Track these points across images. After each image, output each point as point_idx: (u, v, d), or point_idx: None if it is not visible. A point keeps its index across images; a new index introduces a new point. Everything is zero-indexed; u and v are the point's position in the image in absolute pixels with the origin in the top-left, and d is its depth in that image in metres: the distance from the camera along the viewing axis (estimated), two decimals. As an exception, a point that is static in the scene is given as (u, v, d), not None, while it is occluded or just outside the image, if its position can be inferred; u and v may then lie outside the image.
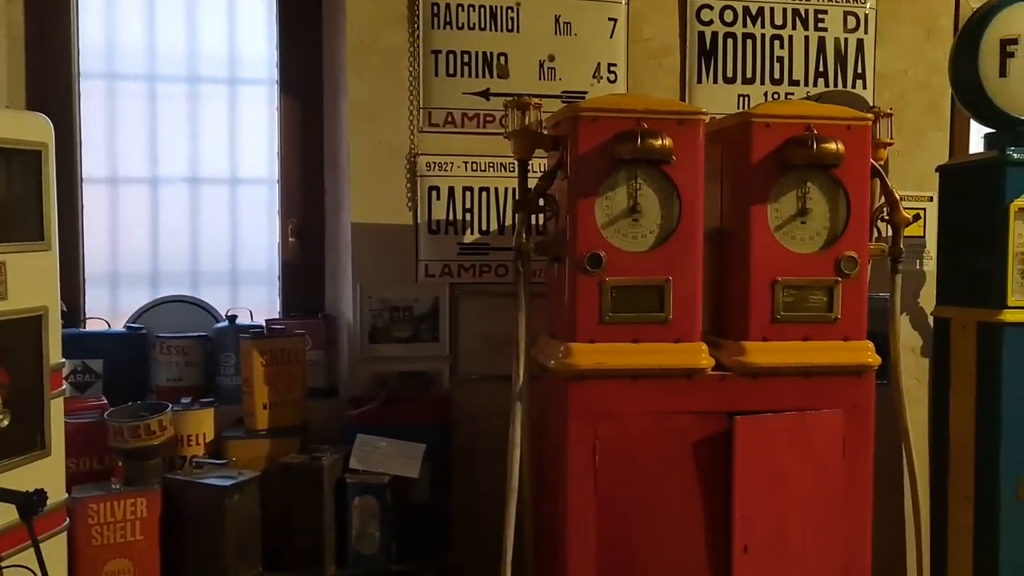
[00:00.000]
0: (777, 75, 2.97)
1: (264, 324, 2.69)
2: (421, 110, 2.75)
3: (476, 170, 2.79)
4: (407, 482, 2.39)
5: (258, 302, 2.94)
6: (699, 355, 2.24)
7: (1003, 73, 2.52)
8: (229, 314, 2.72)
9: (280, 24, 2.86)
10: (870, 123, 2.32)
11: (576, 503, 2.19)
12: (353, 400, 2.62)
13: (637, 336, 2.23)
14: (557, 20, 2.82)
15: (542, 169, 2.38)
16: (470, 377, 2.77)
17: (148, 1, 2.84)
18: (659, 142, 2.15)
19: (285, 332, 2.53)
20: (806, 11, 2.98)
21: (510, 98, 2.36)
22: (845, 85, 3.01)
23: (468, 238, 2.80)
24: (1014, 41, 2.51)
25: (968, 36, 2.57)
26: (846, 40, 3.01)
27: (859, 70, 3.02)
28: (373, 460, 2.34)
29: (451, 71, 2.76)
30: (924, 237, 3.07)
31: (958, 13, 3.15)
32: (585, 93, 2.84)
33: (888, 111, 2.48)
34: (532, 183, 2.29)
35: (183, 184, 2.91)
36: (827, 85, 3.00)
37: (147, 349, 2.68)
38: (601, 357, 2.20)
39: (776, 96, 2.97)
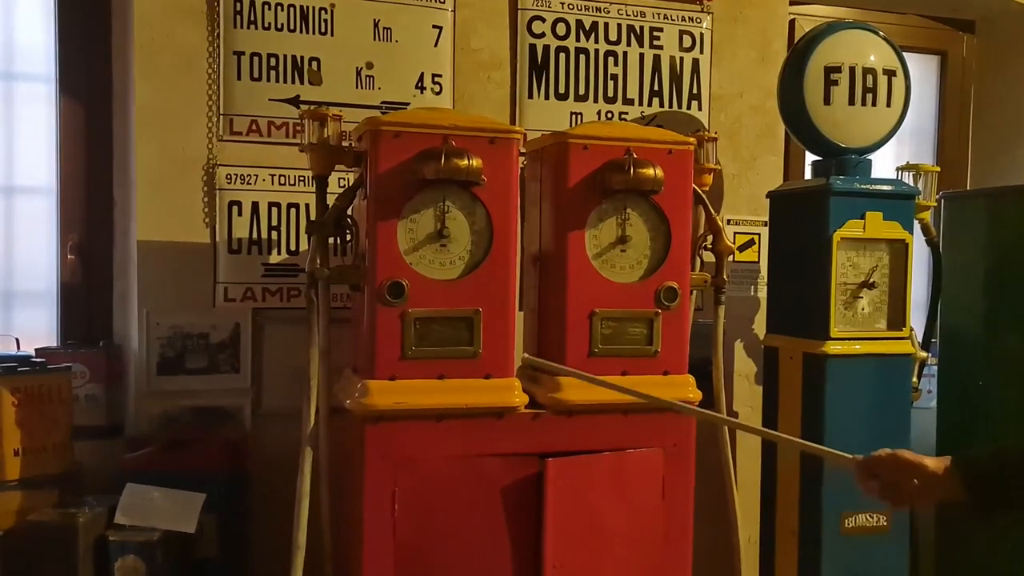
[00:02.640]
0: (611, 93, 2.86)
1: (32, 354, 2.36)
2: (221, 117, 2.48)
3: (284, 184, 2.54)
4: (188, 538, 2.12)
5: (36, 328, 2.59)
6: (511, 392, 2.08)
7: (827, 101, 2.48)
8: (-10, 343, 2.38)
9: (59, 14, 2.52)
10: (693, 147, 2.21)
11: (372, 556, 1.97)
12: (133, 441, 2.32)
13: (444, 372, 2.04)
14: (376, 25, 2.61)
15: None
16: (275, 413, 2.51)
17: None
18: (466, 162, 1.98)
19: (46, 366, 2.20)
20: (641, 28, 2.88)
21: (307, 107, 2.14)
22: (680, 106, 2.93)
23: (274, 258, 2.54)
24: (838, 69, 2.47)
25: (794, 62, 2.52)
26: (682, 59, 2.93)
27: (695, 91, 2.95)
28: (143, 514, 2.05)
29: (256, 75, 2.50)
30: (758, 263, 3.02)
31: (792, 38, 3.14)
32: (407, 104, 2.64)
33: (713, 135, 2.41)
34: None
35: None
36: (662, 105, 2.91)
37: None
38: (402, 396, 2.00)
39: (610, 115, 2.86)
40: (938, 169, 2.63)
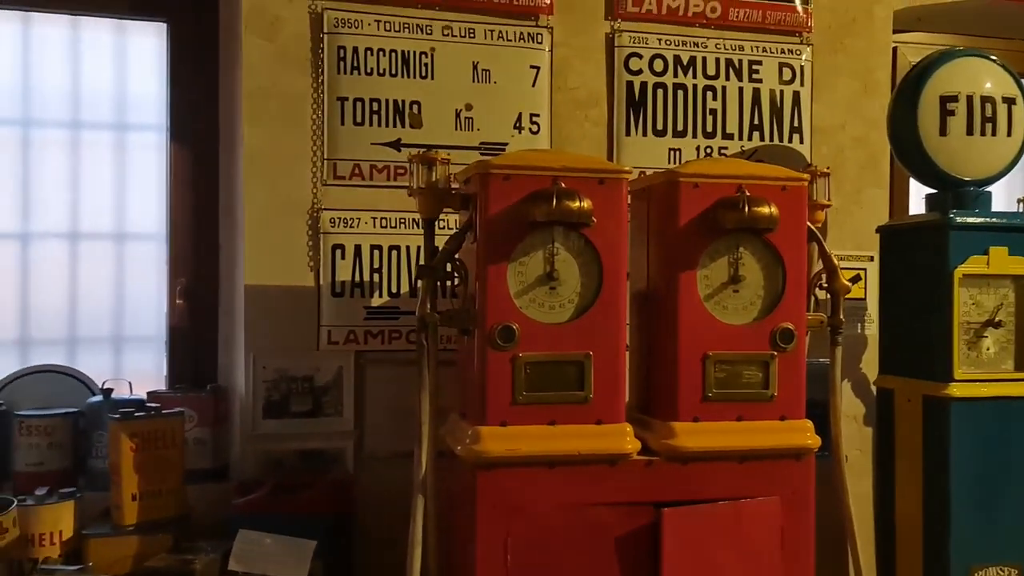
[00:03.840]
0: (710, 128, 2.81)
1: (144, 398, 2.40)
2: (325, 161, 2.51)
3: (386, 227, 2.55)
4: (298, 583, 2.10)
5: (145, 370, 2.65)
6: (623, 439, 2.01)
7: (943, 132, 2.38)
8: (105, 387, 2.42)
9: (171, 65, 2.61)
10: (806, 183, 2.14)
11: (486, 609, 1.93)
12: (241, 485, 2.33)
13: (554, 417, 1.99)
14: (475, 67, 2.62)
15: (456, 227, 2.16)
16: (378, 455, 2.50)
17: (24, 36, 2.57)
18: (577, 204, 1.94)
19: (161, 411, 2.24)
20: (740, 61, 2.83)
21: (417, 151, 2.15)
22: (781, 139, 2.86)
23: (376, 301, 2.55)
24: (954, 99, 2.38)
25: (906, 93, 2.43)
26: (782, 92, 2.86)
27: (796, 124, 2.88)
28: (255, 561, 2.04)
29: (359, 120, 2.53)
30: (865, 299, 2.91)
31: (895, 67, 3.05)
32: (505, 145, 2.63)
33: (825, 170, 2.32)
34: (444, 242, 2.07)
35: (61, 240, 2.61)
36: (762, 139, 2.85)
37: (7, 429, 2.36)
38: (513, 443, 1.96)
39: (709, 151, 2.80)
40: (1064, 200, 2.51)
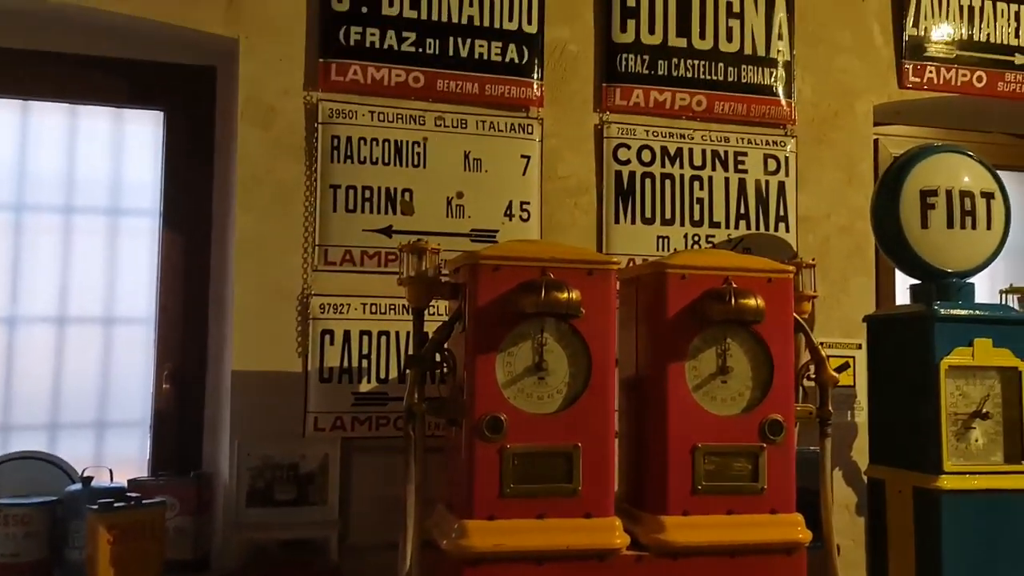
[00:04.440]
0: (697, 217, 2.85)
1: (125, 486, 2.36)
2: (317, 247, 2.53)
3: (375, 312, 2.56)
4: None
5: (128, 455, 2.60)
6: (613, 533, 1.98)
7: (925, 224, 2.43)
8: (85, 475, 2.38)
9: (167, 153, 2.65)
10: (792, 275, 2.17)
11: None
12: (222, 577, 2.28)
13: (543, 510, 1.97)
14: (467, 156, 2.67)
15: (446, 312, 2.17)
16: (363, 546, 2.45)
17: (23, 123, 2.62)
18: (565, 295, 1.96)
19: (141, 501, 2.19)
20: (726, 152, 2.90)
21: (407, 241, 2.17)
22: (767, 228, 2.91)
23: (364, 387, 2.53)
24: (934, 193, 2.43)
25: (888, 187, 2.49)
26: (767, 182, 2.92)
27: (781, 213, 2.93)
28: (234, 658, 1.98)
29: (351, 207, 2.56)
30: (854, 387, 2.91)
31: (877, 159, 3.13)
32: (496, 232, 2.67)
33: (811, 262, 2.36)
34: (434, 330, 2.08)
35: (48, 324, 2.60)
36: (749, 228, 2.89)
37: (-17, 517, 2.30)
38: (501, 538, 1.92)
39: (696, 239, 2.84)
40: (1045, 293, 2.54)
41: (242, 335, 2.46)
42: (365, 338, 2.55)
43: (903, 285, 3.02)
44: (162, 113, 2.66)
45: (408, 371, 2.08)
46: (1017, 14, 3.17)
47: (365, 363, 2.54)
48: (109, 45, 2.59)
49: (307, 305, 2.51)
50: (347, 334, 2.53)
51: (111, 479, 2.42)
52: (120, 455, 2.59)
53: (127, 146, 2.68)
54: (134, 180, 2.67)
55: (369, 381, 2.54)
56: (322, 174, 2.54)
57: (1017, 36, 3.17)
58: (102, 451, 2.61)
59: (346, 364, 2.52)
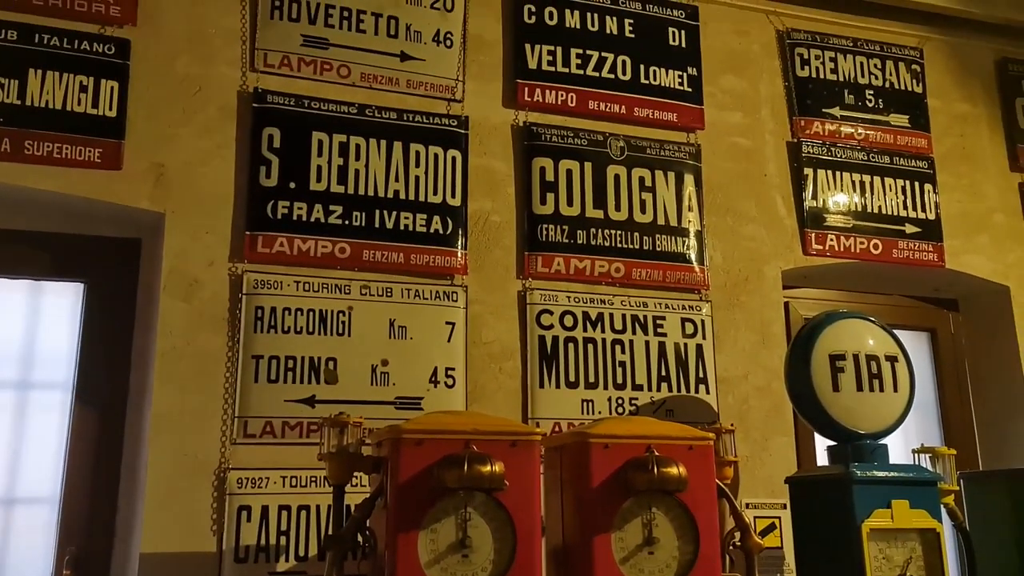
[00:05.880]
0: (620, 380, 2.91)
1: None
2: (236, 419, 2.48)
3: (295, 486, 2.48)
4: None
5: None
6: None
7: (836, 387, 2.52)
8: (-32, 676, 2.18)
9: (84, 324, 2.61)
10: (712, 441, 2.21)
11: None
12: None
13: None
14: (392, 324, 2.70)
15: (369, 484, 2.12)
16: None
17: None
18: (488, 468, 1.95)
19: None
20: (645, 317, 2.99)
21: (330, 413, 2.15)
22: (689, 390, 2.97)
23: (282, 566, 2.42)
24: (842, 357, 2.54)
25: (798, 351, 2.59)
26: (686, 345, 3.02)
27: (701, 375, 3.01)
28: None
29: (273, 377, 2.54)
30: (782, 548, 2.91)
31: (788, 321, 3.27)
32: (421, 399, 2.66)
33: (730, 427, 2.41)
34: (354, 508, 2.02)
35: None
36: (671, 390, 2.95)
37: None
38: None
39: (620, 401, 2.88)
40: (954, 452, 2.62)
41: (153, 514, 2.34)
42: (284, 513, 2.46)
43: (823, 443, 3.10)
44: (83, 285, 2.63)
45: (328, 553, 2.00)
46: (903, 188, 3.45)
47: (283, 540, 2.44)
48: (31, 219, 2.59)
49: (224, 480, 2.42)
50: (265, 509, 2.44)
51: None
52: (10, 650, 2.39)
53: (43, 318, 2.63)
54: (48, 353, 2.60)
55: (288, 560, 2.43)
56: (244, 345, 2.53)
57: (905, 208, 3.43)
58: (-9, 647, 2.41)
59: (263, 542, 2.42)
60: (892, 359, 2.58)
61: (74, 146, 2.46)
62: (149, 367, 2.50)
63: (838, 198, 3.35)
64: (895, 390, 2.56)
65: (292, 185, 2.68)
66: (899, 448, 2.90)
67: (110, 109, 2.52)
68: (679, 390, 2.97)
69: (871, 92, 3.51)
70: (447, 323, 2.77)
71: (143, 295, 2.65)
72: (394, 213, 2.78)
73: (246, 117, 2.68)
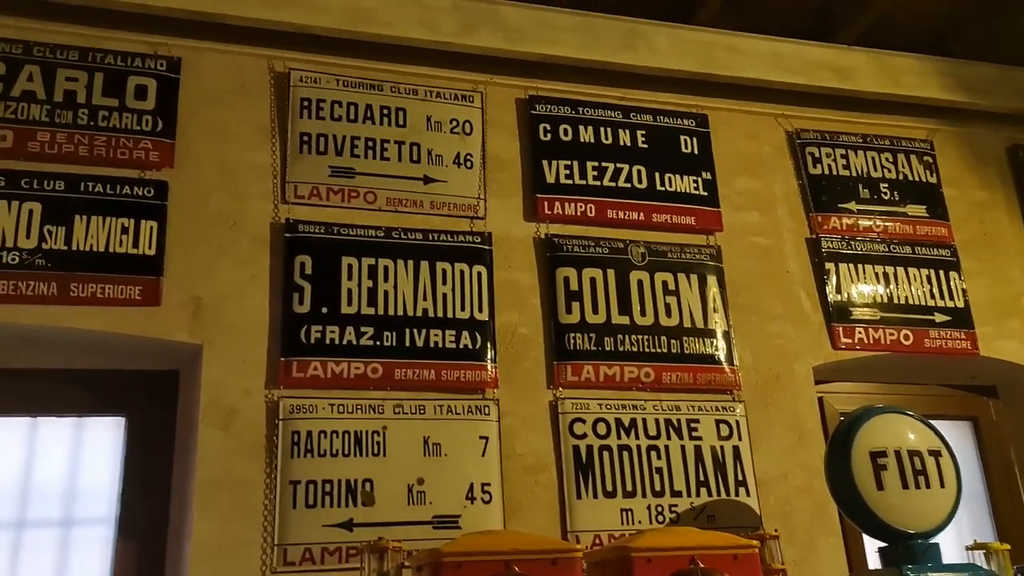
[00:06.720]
0: (658, 487, 2.87)
1: None
2: (276, 547, 2.47)
3: (336, 616, 2.46)
4: None
5: None
6: None
7: (880, 486, 2.47)
8: None
9: (126, 458, 2.65)
10: (757, 549, 2.17)
11: None
12: None
13: None
14: (426, 441, 2.71)
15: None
16: None
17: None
18: (531, 589, 1.93)
19: None
20: (679, 420, 2.98)
21: (368, 538, 2.15)
22: (728, 493, 2.93)
23: None
24: (883, 454, 2.49)
25: (837, 449, 2.55)
26: (722, 448, 2.99)
27: (740, 477, 2.96)
28: None
29: (311, 502, 2.54)
30: (839, 657, 2.79)
31: (824, 416, 3.23)
32: (458, 517, 2.65)
33: (774, 533, 2.36)
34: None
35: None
36: (710, 494, 2.91)
37: None
38: None
39: (660, 509, 2.84)
40: (1008, 547, 2.54)
41: (194, 650, 2.32)
42: (323, 647, 2.42)
43: (872, 540, 3.01)
44: (123, 419, 2.69)
45: None
46: (928, 277, 3.46)
47: (324, 676, 2.40)
48: (72, 357, 2.67)
49: (264, 613, 2.40)
50: (304, 643, 2.41)
51: None
52: None
53: (86, 454, 2.67)
54: (91, 488, 2.64)
55: None
56: (282, 470, 2.55)
57: (932, 296, 3.43)
58: None
59: (304, 677, 2.38)
60: (935, 453, 2.53)
61: (116, 285, 2.56)
62: (189, 497, 2.52)
63: (863, 290, 3.36)
64: (942, 486, 2.50)
65: (324, 310, 2.75)
66: (951, 543, 2.81)
67: (150, 248, 2.64)
68: (719, 494, 2.92)
69: (885, 185, 3.57)
70: (480, 437, 2.78)
71: (181, 425, 2.70)
72: (424, 331, 2.84)
73: (279, 247, 2.79)
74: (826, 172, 3.53)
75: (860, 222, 3.48)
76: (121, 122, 2.75)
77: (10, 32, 2.76)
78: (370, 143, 3.02)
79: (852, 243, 3.43)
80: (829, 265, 3.36)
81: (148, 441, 2.68)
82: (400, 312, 2.84)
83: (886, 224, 3.50)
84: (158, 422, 2.70)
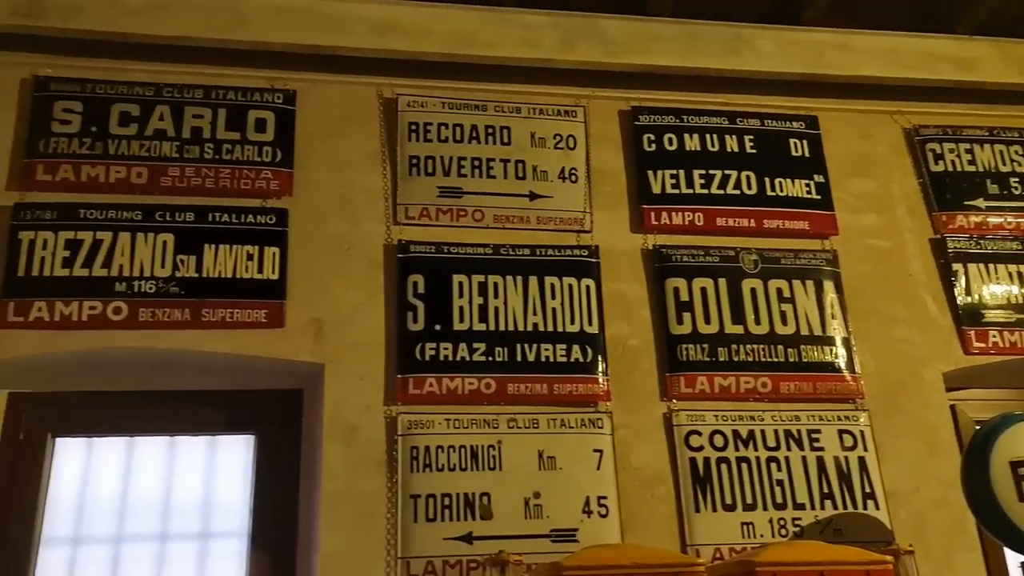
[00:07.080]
0: (780, 499, 2.79)
1: None
2: (399, 560, 2.53)
3: (459, 627, 2.49)
4: None
5: None
6: None
7: (1021, 497, 2.33)
8: None
9: (256, 474, 2.78)
10: (891, 565, 2.08)
11: None
12: None
13: None
14: (541, 455, 2.73)
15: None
16: None
17: (127, 456, 2.79)
18: (654, 604, 1.91)
19: None
20: (799, 431, 2.89)
21: (489, 551, 2.18)
22: (855, 506, 2.81)
23: None
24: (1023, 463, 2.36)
25: (974, 460, 2.43)
26: (847, 459, 2.88)
27: (867, 489, 2.85)
28: None
29: (431, 516, 2.60)
30: None
31: (958, 425, 3.07)
32: (575, 531, 2.64)
33: (908, 548, 2.26)
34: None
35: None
36: (836, 507, 2.80)
37: None
38: None
39: (782, 522, 2.76)
40: None
41: (326, 659, 2.40)
42: (449, 656, 2.46)
43: (1014, 555, 2.84)
44: (253, 436, 2.83)
45: None
46: (1067, 274, 3.25)
47: None
48: (203, 378, 2.82)
49: (391, 620, 2.46)
50: (428, 654, 2.46)
51: None
52: None
53: (219, 470, 2.81)
54: (225, 503, 2.77)
55: None
56: (403, 485, 2.61)
57: (1073, 295, 3.22)
58: None
59: None
60: (1081, 462, 2.38)
61: (244, 309, 2.70)
62: (315, 511, 2.61)
63: (995, 291, 3.19)
64: (1090, 497, 2.34)
65: (437, 327, 2.81)
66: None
67: (273, 272, 2.77)
68: (844, 507, 2.81)
69: (1016, 180, 3.38)
70: (595, 450, 2.78)
71: (306, 442, 2.81)
72: (535, 345, 2.86)
73: (392, 267, 2.87)
74: (949, 169, 3.37)
75: (989, 219, 3.30)
76: (243, 154, 2.91)
77: (143, 75, 2.97)
78: (476, 162, 3.08)
79: (981, 242, 3.26)
80: (957, 266, 3.20)
81: (276, 457, 2.80)
82: (511, 327, 2.87)
83: (1019, 221, 3.31)
84: (284, 439, 2.82)
